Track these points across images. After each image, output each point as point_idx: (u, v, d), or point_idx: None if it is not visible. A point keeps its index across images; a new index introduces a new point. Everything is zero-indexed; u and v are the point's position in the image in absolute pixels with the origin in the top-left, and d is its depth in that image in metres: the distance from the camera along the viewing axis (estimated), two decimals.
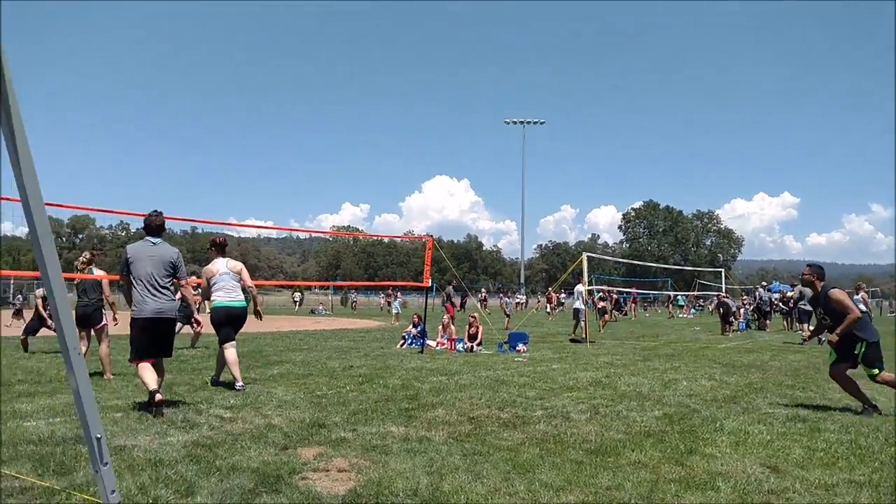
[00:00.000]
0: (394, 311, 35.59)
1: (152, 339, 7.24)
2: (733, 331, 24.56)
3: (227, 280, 8.98)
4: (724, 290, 29.81)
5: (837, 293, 7.79)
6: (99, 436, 1.61)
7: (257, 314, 9.34)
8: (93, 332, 10.01)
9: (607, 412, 7.42)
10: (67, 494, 4.14)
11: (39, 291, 14.08)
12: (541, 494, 4.35)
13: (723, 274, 36.24)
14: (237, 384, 8.57)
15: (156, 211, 7.51)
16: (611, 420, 6.97)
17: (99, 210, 12.57)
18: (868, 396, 7.66)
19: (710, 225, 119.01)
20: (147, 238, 7.40)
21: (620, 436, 6.19)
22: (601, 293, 28.32)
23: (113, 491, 1.65)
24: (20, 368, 10.55)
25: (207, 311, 9.92)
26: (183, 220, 15.70)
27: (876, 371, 7.56)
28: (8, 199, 8.84)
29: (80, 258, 10.37)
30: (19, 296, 31.88)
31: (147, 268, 7.21)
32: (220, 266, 9.05)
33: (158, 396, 6.90)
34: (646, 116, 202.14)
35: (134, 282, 7.22)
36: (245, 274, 9.12)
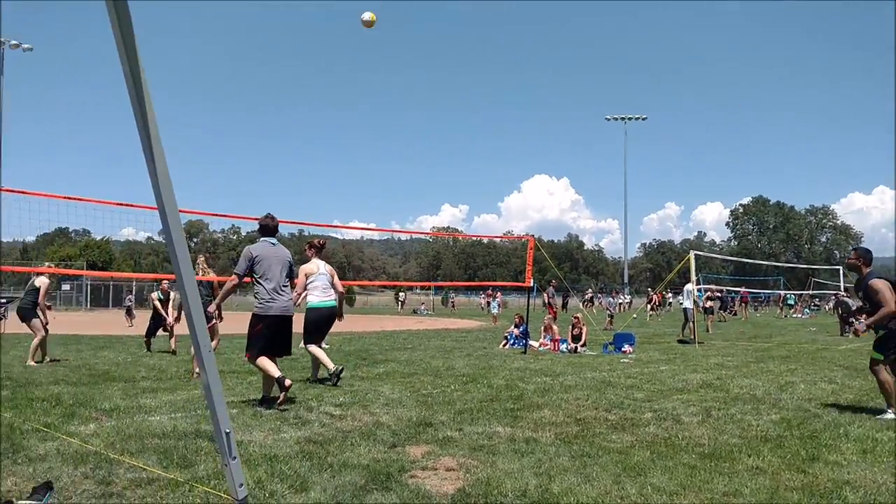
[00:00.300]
0: (493, 312, 35.35)
1: (276, 338, 7.54)
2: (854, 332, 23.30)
3: (323, 280, 9.29)
4: (842, 289, 28.34)
5: (879, 283, 7.41)
6: (228, 431, 1.67)
7: (340, 315, 9.69)
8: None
9: (720, 415, 7.17)
10: (190, 487, 4.33)
11: (154, 295, 14.91)
12: (653, 498, 4.24)
13: (840, 272, 34.46)
14: (332, 367, 8.98)
15: (269, 214, 7.80)
16: (724, 423, 6.73)
17: (212, 214, 13.11)
18: None
19: (825, 220, 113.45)
20: (265, 239, 7.67)
21: (735, 440, 5.97)
22: (708, 292, 27.43)
23: (241, 484, 1.70)
24: (143, 366, 11.13)
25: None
26: (291, 223, 16.22)
27: (880, 356, 7.36)
28: (130, 205, 9.38)
29: (199, 260, 10.92)
30: (130, 296, 33.44)
31: (274, 267, 7.50)
32: (320, 266, 9.35)
33: (288, 382, 7.23)
34: (753, 108, 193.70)
35: (261, 281, 7.47)
36: (336, 279, 9.49)
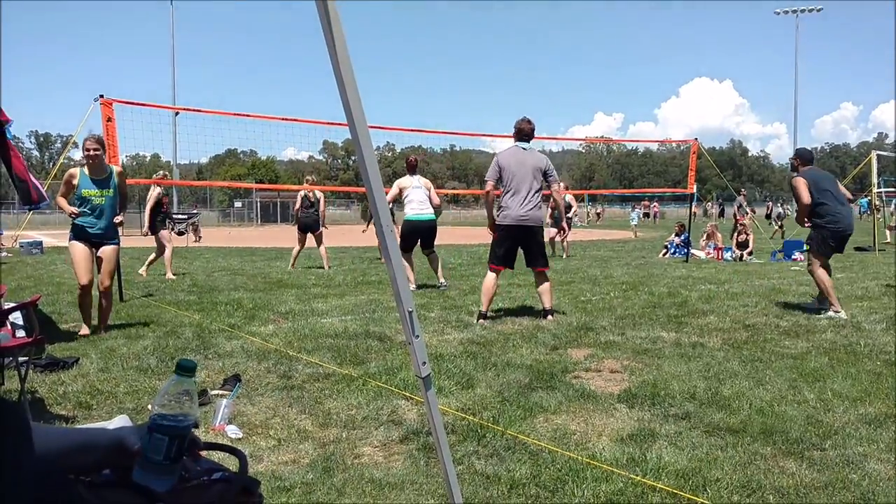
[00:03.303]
0: (632, 223, 33.59)
1: (512, 247, 7.07)
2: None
3: (418, 194, 9.54)
4: None
5: (796, 180, 7.58)
6: (410, 310, 1.70)
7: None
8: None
9: None
10: (363, 381, 4.56)
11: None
12: (834, 404, 4.02)
13: None
14: (441, 281, 9.65)
15: (526, 118, 7.22)
16: None
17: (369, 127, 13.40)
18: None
19: None
20: (517, 144, 7.13)
21: None
22: None
23: (424, 362, 1.75)
24: (313, 274, 11.74)
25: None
26: (440, 133, 16.38)
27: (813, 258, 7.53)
28: (294, 120, 9.74)
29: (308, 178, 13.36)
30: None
31: (518, 174, 6.92)
32: (413, 181, 9.62)
33: (482, 321, 6.88)
34: None
35: (505, 187, 7.00)
36: (433, 192, 9.71)
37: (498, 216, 7.09)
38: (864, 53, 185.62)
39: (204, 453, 1.24)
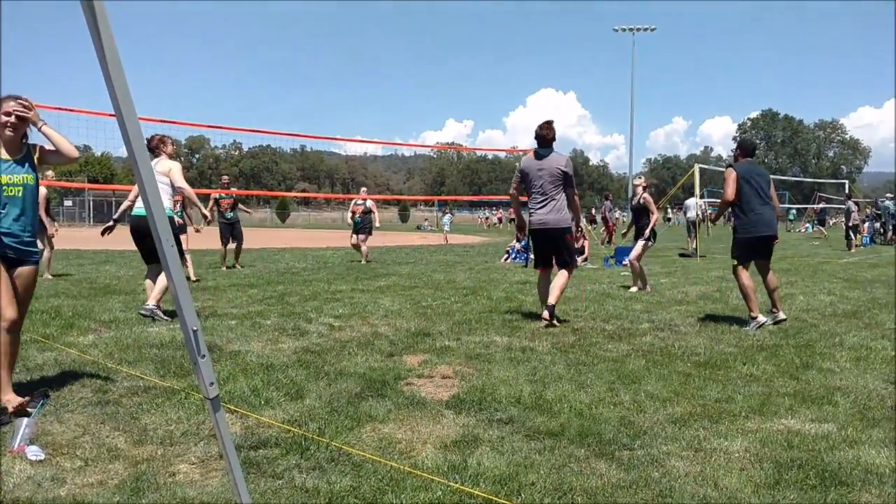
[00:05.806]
0: (445, 230, 33.32)
1: (544, 249, 7.47)
2: (856, 245, 23.15)
3: None
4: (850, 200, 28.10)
5: (727, 171, 7.27)
6: (195, 328, 1.63)
7: (203, 217, 9.41)
8: None
9: (718, 326, 7.19)
10: (186, 394, 4.37)
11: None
12: (646, 405, 4.26)
13: (847, 186, 34.16)
14: (147, 304, 7.25)
15: (543, 123, 7.45)
16: (721, 334, 6.75)
17: (213, 126, 12.91)
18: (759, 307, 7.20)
19: (833, 135, 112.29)
20: (537, 150, 7.40)
21: (731, 349, 5.99)
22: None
23: (212, 383, 1.68)
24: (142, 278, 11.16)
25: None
26: (290, 135, 16.09)
27: (734, 262, 7.32)
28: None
29: None
30: None
31: (534, 179, 7.28)
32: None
33: (545, 314, 7.09)
34: (764, 18, 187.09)
35: (528, 192, 7.39)
36: (175, 174, 7.39)
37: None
38: (694, 71, 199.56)
39: None
